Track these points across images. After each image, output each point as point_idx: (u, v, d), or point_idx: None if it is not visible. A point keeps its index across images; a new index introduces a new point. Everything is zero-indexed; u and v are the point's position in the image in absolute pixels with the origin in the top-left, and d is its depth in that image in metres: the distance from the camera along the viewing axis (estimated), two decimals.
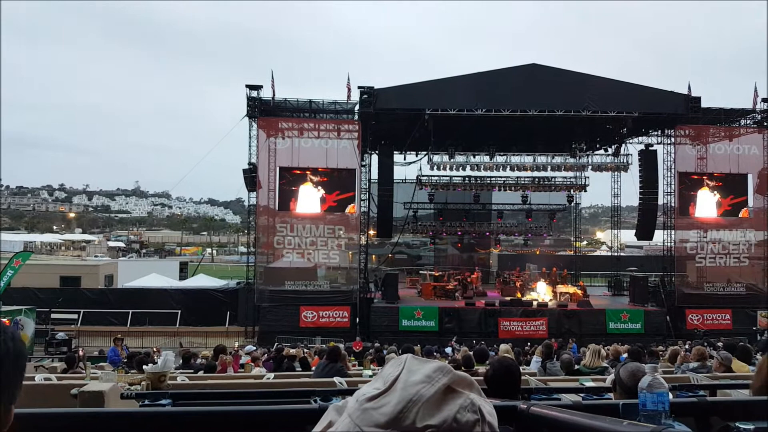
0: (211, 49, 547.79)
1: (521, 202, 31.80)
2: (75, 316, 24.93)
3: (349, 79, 24.23)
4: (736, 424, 1.61)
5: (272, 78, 24.57)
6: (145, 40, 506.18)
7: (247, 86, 24.21)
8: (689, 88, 24.65)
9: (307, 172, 24.46)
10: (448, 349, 17.19)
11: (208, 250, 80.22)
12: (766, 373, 2.20)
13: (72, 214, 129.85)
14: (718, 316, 24.36)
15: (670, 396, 1.64)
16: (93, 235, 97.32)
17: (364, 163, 25.75)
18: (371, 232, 28.89)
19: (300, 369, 10.34)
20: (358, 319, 23.39)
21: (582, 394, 3.17)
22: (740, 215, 25.95)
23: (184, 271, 37.55)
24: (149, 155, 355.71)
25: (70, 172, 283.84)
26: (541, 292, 26.74)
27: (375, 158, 27.56)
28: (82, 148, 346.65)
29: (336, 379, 5.69)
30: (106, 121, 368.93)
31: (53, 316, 23.76)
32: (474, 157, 26.88)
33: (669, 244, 26.06)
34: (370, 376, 6.33)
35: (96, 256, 57.44)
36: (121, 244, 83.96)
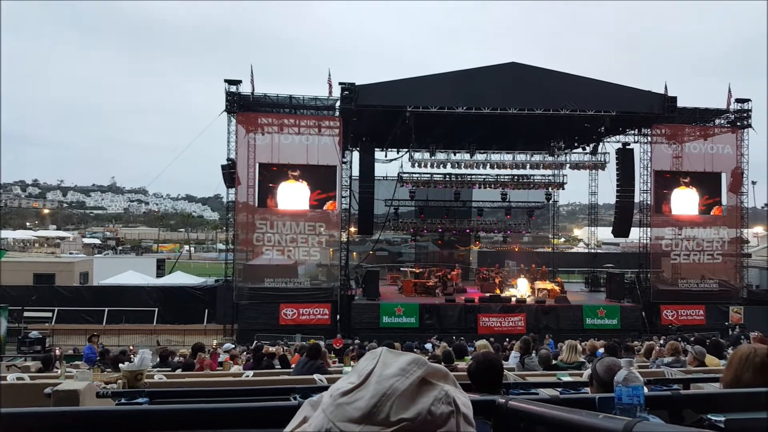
0: (189, 43, 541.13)
1: (501, 200, 32.11)
2: (49, 315, 24.49)
3: (330, 75, 24.16)
4: (708, 416, 1.64)
5: (251, 73, 24.41)
6: (123, 33, 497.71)
7: (225, 81, 23.95)
8: (666, 88, 25.07)
9: (287, 169, 24.29)
10: (428, 345, 17.33)
11: (186, 247, 79.36)
12: (735, 367, 2.26)
13: (46, 210, 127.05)
14: (692, 312, 24.90)
15: (645, 390, 1.67)
16: (68, 231, 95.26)
17: (345, 160, 25.67)
18: (352, 229, 28.88)
19: (280, 366, 10.28)
20: (338, 316, 23.35)
21: (559, 389, 3.21)
22: (713, 213, 26.53)
23: (161, 269, 37.10)
24: (126, 151, 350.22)
25: (44, 167, 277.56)
26: (521, 289, 27.01)
27: (356, 155, 27.52)
28: (56, 143, 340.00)
29: (316, 376, 5.67)
30: (81, 116, 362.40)
31: (26, 314, 23.30)
32: (455, 155, 27.05)
33: (645, 241, 26.51)
34: None
35: (71, 253, 56.15)
36: (97, 241, 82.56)
